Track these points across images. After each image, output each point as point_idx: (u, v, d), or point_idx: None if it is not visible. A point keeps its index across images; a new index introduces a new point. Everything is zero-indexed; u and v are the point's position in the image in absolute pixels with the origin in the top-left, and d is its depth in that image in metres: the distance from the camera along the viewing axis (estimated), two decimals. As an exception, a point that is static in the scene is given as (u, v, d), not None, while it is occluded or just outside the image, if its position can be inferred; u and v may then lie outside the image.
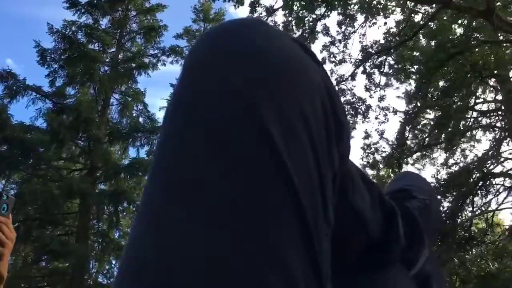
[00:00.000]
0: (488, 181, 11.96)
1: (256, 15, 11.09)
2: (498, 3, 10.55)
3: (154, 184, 0.38)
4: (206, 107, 0.38)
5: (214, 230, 0.32)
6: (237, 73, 0.39)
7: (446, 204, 11.24)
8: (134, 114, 14.52)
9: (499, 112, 12.64)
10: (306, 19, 11.25)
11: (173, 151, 0.38)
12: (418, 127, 12.57)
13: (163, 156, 0.39)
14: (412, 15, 11.55)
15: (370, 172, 12.89)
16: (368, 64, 11.66)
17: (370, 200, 0.68)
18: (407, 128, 12.16)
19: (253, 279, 0.31)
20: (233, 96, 0.38)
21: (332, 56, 11.70)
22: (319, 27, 11.42)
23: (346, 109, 9.09)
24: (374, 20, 11.69)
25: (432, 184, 11.54)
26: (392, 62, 12.28)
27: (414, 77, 11.98)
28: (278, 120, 0.38)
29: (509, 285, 8.43)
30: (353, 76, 11.70)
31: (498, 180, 12.37)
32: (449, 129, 11.47)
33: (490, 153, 11.91)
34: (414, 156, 13.19)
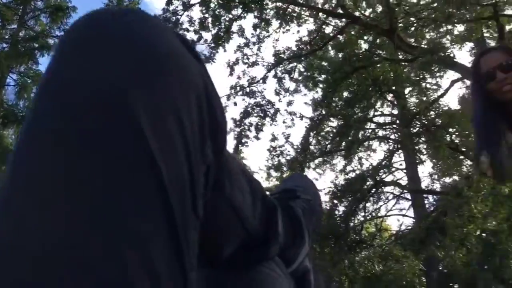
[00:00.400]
0: (379, 189, 12.84)
1: (172, 7, 10.91)
2: (400, 24, 11.37)
3: (16, 172, 0.36)
4: (75, 91, 0.37)
5: (75, 221, 0.32)
6: (111, 60, 0.39)
7: (341, 208, 11.89)
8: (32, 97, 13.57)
9: (394, 126, 13.63)
10: (223, 18, 11.28)
11: (35, 138, 0.36)
12: (322, 133, 13.13)
13: (25, 143, 0.37)
14: (323, 26, 12.06)
15: (274, 174, 13.22)
16: (279, 69, 11.97)
17: (251, 197, 0.69)
18: (312, 134, 12.66)
19: (115, 271, 0.31)
20: (104, 83, 0.37)
21: (245, 57, 11.83)
22: (234, 27, 11.52)
23: (255, 111, 9.20)
24: (288, 27, 12.02)
25: (330, 189, 12.14)
26: (302, 69, 12.72)
27: (321, 85, 12.50)
28: (149, 111, 0.37)
29: (391, 286, 9.11)
30: (264, 79, 11.93)
31: (388, 188, 13.36)
32: (349, 138, 12.13)
33: (383, 162, 12.79)
34: (316, 161, 13.77)
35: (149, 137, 0.37)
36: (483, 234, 7.90)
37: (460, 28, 11.61)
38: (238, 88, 11.75)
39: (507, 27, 10.15)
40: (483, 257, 7.71)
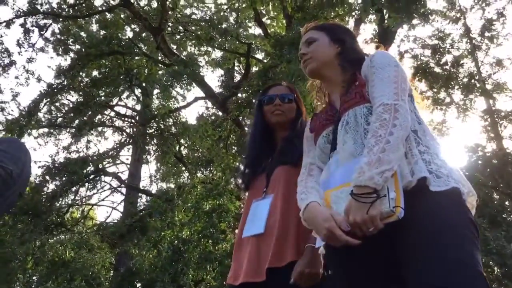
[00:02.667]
0: (99, 177, 12.60)
1: None
2: (169, 28, 11.65)
3: None
4: None
5: None
6: None
7: (51, 186, 11.17)
8: None
9: (133, 120, 13.69)
10: None
11: None
12: (56, 104, 12.20)
13: None
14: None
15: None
16: (30, 19, 10.66)
17: None
18: (45, 101, 11.63)
19: None
20: None
21: (-8, -9, 10.16)
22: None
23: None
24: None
25: (47, 164, 11.30)
26: (57, 31, 11.65)
27: (72, 55, 11.67)
28: None
29: (76, 274, 8.90)
30: (9, 23, 10.44)
31: (107, 179, 13.23)
32: (84, 118, 11.60)
33: (110, 152, 12.63)
34: (41, 131, 12.67)
35: None
36: (176, 241, 8.52)
37: (217, 53, 12.61)
38: (-28, 21, 9.98)
39: (254, 68, 11.49)
40: (169, 262, 8.29)
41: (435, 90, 10.84)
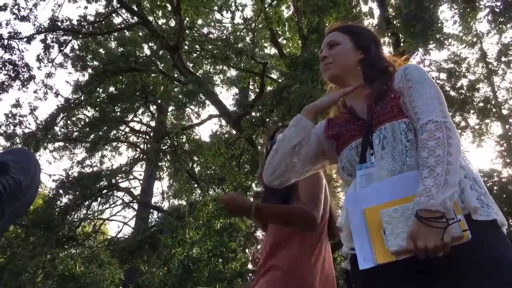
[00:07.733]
0: (111, 192, 12.66)
1: None
2: (185, 47, 11.79)
3: None
4: None
5: None
6: None
7: (64, 200, 11.25)
8: None
9: (147, 136, 13.79)
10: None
11: None
12: (73, 119, 12.37)
13: None
14: (113, 14, 11.61)
15: (3, 142, 11.78)
16: (51, 36, 10.90)
17: None
18: (62, 115, 11.79)
19: None
20: None
21: (17, 7, 10.44)
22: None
23: (6, 68, 8.04)
24: (77, -2, 11.19)
25: (61, 177, 11.40)
26: (76, 47, 11.87)
27: (90, 71, 11.86)
28: None
29: (85, 289, 8.89)
30: (30, 39, 10.67)
31: (120, 194, 13.28)
32: (99, 133, 11.71)
33: (123, 168, 12.71)
34: (57, 144, 12.83)
35: None
36: (186, 259, 8.47)
37: (233, 72, 12.72)
38: (-6, 36, 10.22)
39: (268, 88, 11.53)
40: (179, 280, 8.24)
41: (450, 113, 10.70)
